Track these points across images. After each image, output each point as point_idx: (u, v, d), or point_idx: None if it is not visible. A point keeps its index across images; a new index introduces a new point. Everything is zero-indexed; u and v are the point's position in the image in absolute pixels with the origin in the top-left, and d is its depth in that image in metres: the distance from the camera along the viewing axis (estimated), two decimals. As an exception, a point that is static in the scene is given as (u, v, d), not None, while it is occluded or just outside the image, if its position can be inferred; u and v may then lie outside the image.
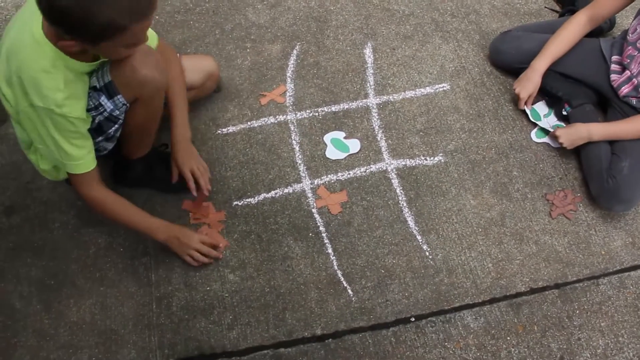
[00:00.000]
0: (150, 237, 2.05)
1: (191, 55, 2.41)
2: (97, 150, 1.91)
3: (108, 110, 1.79)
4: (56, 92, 1.60)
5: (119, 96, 1.77)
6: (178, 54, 2.25)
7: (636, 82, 2.32)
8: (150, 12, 1.49)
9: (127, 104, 1.82)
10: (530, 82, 2.45)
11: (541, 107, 2.59)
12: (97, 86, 1.75)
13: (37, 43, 1.56)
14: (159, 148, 2.29)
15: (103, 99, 1.76)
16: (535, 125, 2.53)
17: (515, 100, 2.56)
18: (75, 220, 2.23)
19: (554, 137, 2.37)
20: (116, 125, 1.88)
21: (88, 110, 1.76)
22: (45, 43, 1.55)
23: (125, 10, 1.42)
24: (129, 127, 1.95)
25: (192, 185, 2.11)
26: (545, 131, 2.51)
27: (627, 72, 2.35)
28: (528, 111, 2.51)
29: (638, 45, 2.28)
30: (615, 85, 2.38)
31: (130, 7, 1.43)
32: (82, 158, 1.79)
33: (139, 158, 2.18)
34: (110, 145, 1.98)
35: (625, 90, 2.35)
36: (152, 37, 1.98)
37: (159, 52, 1.98)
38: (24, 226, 2.22)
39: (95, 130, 1.84)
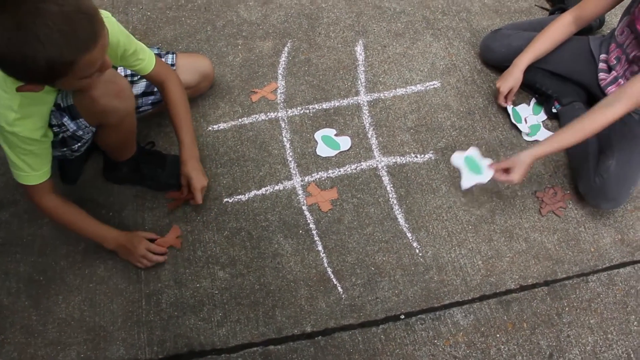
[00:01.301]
0: (101, 245, 2.06)
1: (187, 54, 2.40)
2: (64, 156, 1.93)
3: (71, 130, 1.77)
4: (9, 111, 1.56)
5: (82, 119, 1.76)
6: (174, 53, 2.24)
7: (622, 82, 2.32)
8: (94, 41, 1.39)
9: (92, 128, 1.82)
10: (510, 76, 2.46)
11: (523, 109, 2.59)
12: (62, 105, 1.72)
13: None
14: (146, 146, 2.28)
15: (66, 120, 1.74)
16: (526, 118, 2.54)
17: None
18: (65, 216, 2.22)
19: (509, 182, 2.19)
20: (79, 143, 1.86)
21: (52, 125, 1.73)
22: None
23: (63, 46, 1.33)
24: (104, 144, 1.95)
25: (184, 196, 2.17)
26: (535, 129, 2.52)
27: (614, 73, 2.35)
28: (509, 110, 2.51)
29: (625, 48, 2.29)
30: (602, 85, 2.39)
31: (68, 43, 1.33)
32: (30, 172, 1.77)
33: (126, 159, 2.17)
34: (77, 154, 1.96)
35: (611, 89, 2.35)
36: (149, 58, 1.97)
37: (157, 73, 2.00)
38: (13, 222, 2.21)
39: (60, 143, 1.83)
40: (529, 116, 2.57)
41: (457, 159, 2.23)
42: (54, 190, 1.89)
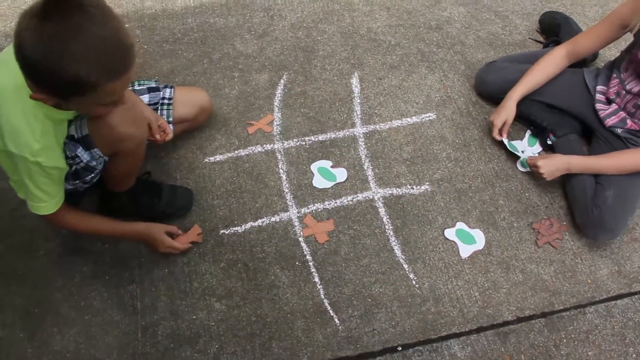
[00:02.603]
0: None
1: (185, 88, 2.40)
2: (75, 189, 1.94)
3: (84, 161, 1.78)
4: (32, 141, 1.56)
5: (96, 149, 1.77)
6: (172, 87, 2.26)
7: (623, 114, 2.34)
8: (124, 71, 1.43)
9: (105, 158, 1.83)
10: (503, 109, 2.48)
11: (520, 144, 2.60)
12: (75, 136, 1.74)
13: (18, 90, 1.52)
14: (142, 176, 2.28)
15: (80, 151, 1.75)
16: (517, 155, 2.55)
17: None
18: (61, 248, 2.21)
19: (535, 167, 2.37)
20: (92, 174, 1.88)
21: (66, 158, 1.75)
22: (26, 91, 1.50)
23: (94, 67, 1.36)
24: (110, 173, 1.96)
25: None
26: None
27: (614, 105, 2.37)
28: (505, 142, 2.52)
29: (629, 88, 2.30)
30: (602, 116, 2.40)
31: (101, 65, 1.37)
32: (48, 202, 1.77)
33: (125, 190, 2.18)
34: (87, 186, 1.98)
35: (611, 121, 2.37)
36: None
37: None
38: (9, 253, 2.20)
39: (72, 175, 1.84)
40: (525, 149, 2.58)
41: (449, 234, 2.34)
42: (67, 207, 1.88)
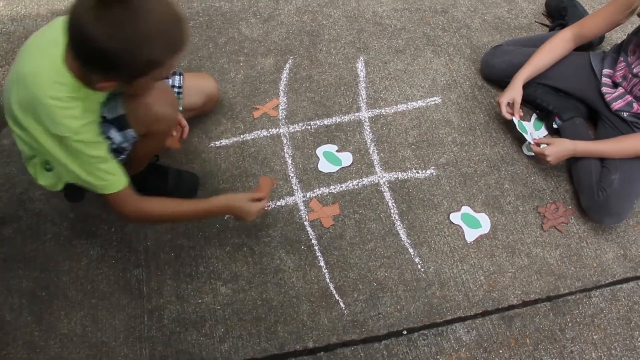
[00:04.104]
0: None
1: (193, 75, 2.38)
2: None
3: (116, 142, 1.77)
4: (71, 120, 1.55)
5: (129, 130, 1.77)
6: (182, 74, 2.24)
7: (629, 98, 2.34)
8: (183, 43, 1.48)
9: (137, 138, 1.82)
10: (509, 89, 2.47)
11: (529, 126, 2.59)
12: (108, 117, 1.73)
13: (57, 72, 1.52)
14: (150, 160, 2.28)
15: (112, 132, 1.75)
16: (524, 139, 2.54)
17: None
18: (68, 231, 2.22)
19: (540, 152, 2.36)
20: (122, 156, 1.86)
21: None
22: (65, 74, 1.52)
23: (163, 44, 1.42)
24: (134, 154, 1.95)
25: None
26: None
27: (620, 89, 2.37)
28: (515, 121, 2.49)
29: (636, 71, 2.29)
30: (608, 99, 2.40)
31: (167, 41, 1.43)
32: (112, 177, 1.73)
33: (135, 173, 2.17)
34: None
35: (618, 105, 2.37)
36: None
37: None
38: (16, 237, 2.21)
39: None
40: (532, 132, 2.57)
41: (455, 218, 2.35)
42: (134, 193, 1.84)
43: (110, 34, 1.33)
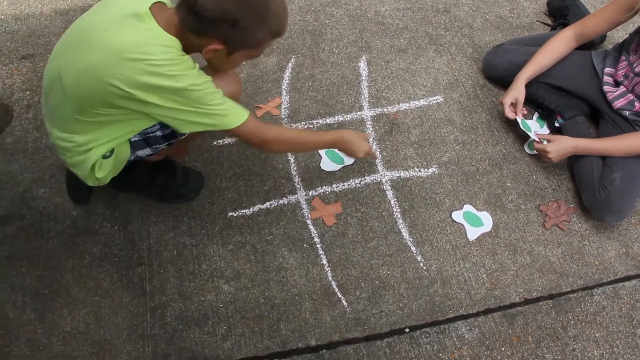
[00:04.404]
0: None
1: (219, 75, 2.36)
2: (141, 158, 1.99)
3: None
4: (191, 70, 1.63)
5: None
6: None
7: (631, 97, 2.34)
8: (285, 29, 1.67)
9: None
10: (512, 89, 2.47)
11: (532, 124, 2.59)
12: None
13: (163, 38, 1.59)
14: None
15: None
16: (526, 137, 2.54)
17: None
18: (71, 229, 2.23)
19: (542, 150, 2.37)
20: (170, 141, 1.93)
21: (154, 126, 1.83)
22: (171, 38, 1.60)
23: (277, 27, 1.61)
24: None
25: None
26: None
27: (622, 87, 2.37)
28: (519, 120, 2.49)
29: (637, 70, 2.29)
30: (609, 98, 2.40)
31: (280, 26, 1.63)
32: (236, 107, 1.77)
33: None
34: (145, 154, 1.99)
35: (619, 103, 2.37)
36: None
37: None
38: (19, 235, 2.21)
39: (146, 142, 1.89)
40: (537, 130, 2.58)
41: (457, 216, 2.35)
42: (261, 122, 1.92)
43: (241, 3, 1.52)
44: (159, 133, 1.86)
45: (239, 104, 1.79)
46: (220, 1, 1.51)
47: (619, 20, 2.33)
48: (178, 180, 2.22)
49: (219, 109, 1.71)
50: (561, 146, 2.33)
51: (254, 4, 1.54)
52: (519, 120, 2.47)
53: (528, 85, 2.49)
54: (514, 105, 2.47)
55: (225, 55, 1.65)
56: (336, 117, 2.58)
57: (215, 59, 1.71)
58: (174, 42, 1.60)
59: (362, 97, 2.66)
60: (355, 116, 2.59)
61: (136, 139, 1.85)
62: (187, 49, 1.64)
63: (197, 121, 1.71)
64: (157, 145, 1.93)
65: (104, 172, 1.92)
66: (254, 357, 2.02)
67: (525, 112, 2.55)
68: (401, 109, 2.63)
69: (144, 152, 1.94)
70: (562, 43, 2.46)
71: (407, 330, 2.10)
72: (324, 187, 2.38)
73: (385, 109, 2.62)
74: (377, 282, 2.18)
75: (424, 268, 2.22)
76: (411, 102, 2.65)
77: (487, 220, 2.34)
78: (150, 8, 1.60)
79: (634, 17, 2.29)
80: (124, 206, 2.29)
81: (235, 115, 1.76)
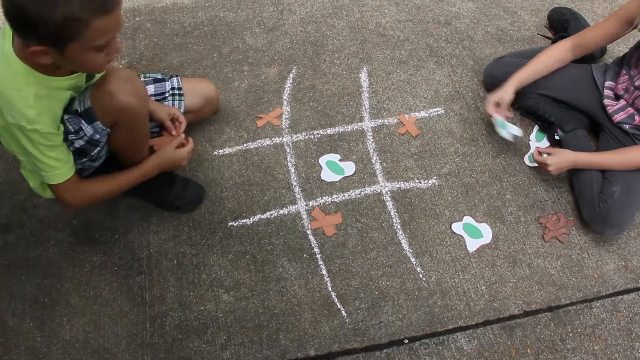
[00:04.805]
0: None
1: (191, 79, 2.42)
2: (83, 170, 1.92)
3: (88, 134, 1.78)
4: (26, 108, 1.57)
5: (98, 122, 1.77)
6: (178, 76, 2.27)
7: (631, 110, 2.35)
8: (112, 6, 1.45)
9: (107, 129, 1.82)
10: (500, 89, 2.47)
11: (512, 128, 2.55)
12: (79, 110, 1.75)
13: (7, 60, 1.55)
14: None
15: (83, 124, 1.76)
16: (527, 149, 2.55)
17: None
18: (71, 238, 2.23)
19: (542, 162, 2.37)
20: (98, 148, 1.87)
21: (69, 133, 1.75)
22: (15, 60, 1.54)
23: (82, 3, 1.38)
24: (115, 147, 1.95)
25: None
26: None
27: (622, 101, 2.38)
28: (497, 120, 2.47)
29: (637, 84, 2.30)
30: (610, 111, 2.41)
31: (88, 0, 1.39)
32: (59, 169, 1.76)
33: None
34: (96, 164, 1.97)
35: (619, 117, 2.38)
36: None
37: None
38: (19, 244, 2.22)
39: (78, 153, 1.83)
40: (532, 142, 2.59)
41: (457, 228, 2.35)
42: (79, 177, 1.88)
43: None
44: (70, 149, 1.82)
45: (71, 157, 1.80)
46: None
47: (618, 34, 2.34)
48: (175, 191, 2.23)
49: (47, 158, 1.72)
50: (561, 159, 2.33)
51: None
52: (497, 120, 2.47)
53: (528, 98, 2.50)
54: (497, 105, 2.47)
55: (58, 54, 1.51)
56: (337, 127, 2.59)
57: (59, 61, 1.59)
58: (17, 65, 1.56)
59: (363, 108, 2.66)
60: (356, 127, 2.60)
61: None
62: (45, 69, 1.60)
63: (27, 157, 1.73)
64: (80, 161, 1.89)
65: (34, 183, 1.95)
66: (253, 367, 2.02)
67: (510, 115, 2.55)
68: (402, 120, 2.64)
69: (82, 164, 1.91)
70: (558, 52, 2.47)
71: (406, 341, 2.10)
72: (324, 197, 2.39)
73: (385, 120, 2.63)
74: (376, 292, 2.18)
75: (424, 279, 2.22)
76: (412, 113, 2.66)
77: (486, 232, 2.35)
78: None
79: (635, 32, 2.30)
80: (124, 215, 2.29)
81: (57, 174, 1.78)
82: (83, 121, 1.76)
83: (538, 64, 2.48)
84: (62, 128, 1.74)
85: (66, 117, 1.75)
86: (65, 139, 1.77)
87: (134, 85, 1.82)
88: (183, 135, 2.15)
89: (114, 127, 1.86)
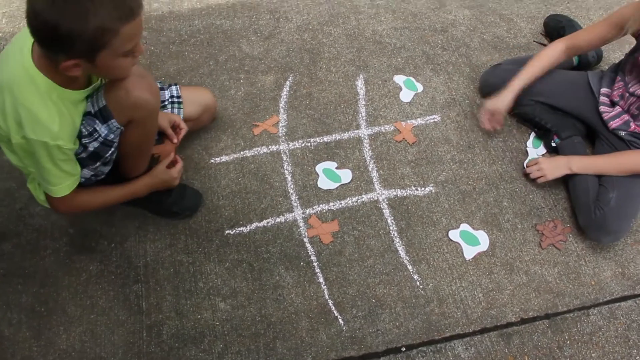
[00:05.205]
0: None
1: (189, 87, 2.42)
2: (95, 175, 1.93)
3: (102, 135, 1.78)
4: (52, 124, 1.59)
5: (112, 120, 1.77)
6: (177, 85, 2.27)
7: (627, 117, 2.35)
8: (137, 10, 1.48)
9: (121, 127, 1.82)
10: (497, 98, 2.48)
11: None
12: (92, 111, 1.75)
13: (30, 76, 1.56)
14: (152, 164, 2.28)
15: (97, 124, 1.76)
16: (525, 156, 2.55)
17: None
18: (68, 247, 2.23)
19: (536, 164, 2.38)
20: (112, 149, 1.86)
21: (83, 137, 1.76)
22: (37, 75, 1.56)
23: (110, 12, 1.42)
24: (124, 148, 1.94)
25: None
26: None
27: (618, 108, 2.38)
28: (485, 126, 2.52)
29: (632, 90, 2.31)
30: (605, 118, 2.41)
31: (116, 8, 1.43)
32: (69, 180, 1.79)
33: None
34: (107, 169, 1.97)
35: (615, 124, 2.38)
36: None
37: None
38: (16, 253, 2.21)
39: (91, 157, 1.83)
40: (529, 149, 2.59)
41: (454, 235, 2.36)
42: (76, 190, 1.88)
43: (52, 7, 1.36)
44: (83, 155, 1.83)
45: (77, 170, 1.82)
46: (41, 16, 1.40)
47: (609, 38, 2.34)
48: (173, 197, 2.23)
49: (59, 172, 1.75)
50: (554, 160, 2.34)
51: (69, 3, 1.38)
52: (485, 125, 2.49)
53: (525, 105, 2.51)
54: (490, 114, 2.49)
55: (89, 64, 1.54)
56: (333, 135, 2.59)
57: (88, 72, 1.66)
58: (40, 80, 1.58)
59: (360, 116, 2.67)
60: (353, 135, 2.60)
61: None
62: (65, 82, 1.63)
63: (38, 170, 1.75)
64: (93, 166, 1.90)
65: (44, 197, 1.94)
66: (250, 376, 2.02)
67: (501, 126, 2.58)
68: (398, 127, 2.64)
69: (95, 170, 1.93)
70: (550, 52, 2.47)
71: (403, 349, 2.10)
72: (321, 205, 2.39)
73: (382, 128, 2.63)
74: (373, 300, 2.18)
75: (421, 287, 2.22)
76: (408, 120, 2.66)
77: (483, 240, 2.35)
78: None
79: (629, 39, 2.31)
80: (121, 224, 2.29)
81: (63, 187, 1.80)
82: (97, 121, 1.77)
83: (534, 68, 2.48)
84: (77, 141, 1.75)
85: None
86: (79, 144, 1.78)
87: (148, 81, 1.83)
88: (173, 154, 2.16)
89: (127, 126, 1.86)
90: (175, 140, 2.16)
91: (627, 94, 2.32)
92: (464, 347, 2.11)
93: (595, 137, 2.53)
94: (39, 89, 1.57)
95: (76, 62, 1.49)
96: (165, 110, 2.22)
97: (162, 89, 2.23)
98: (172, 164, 2.14)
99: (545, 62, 2.48)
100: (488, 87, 2.70)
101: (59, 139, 1.62)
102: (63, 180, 1.77)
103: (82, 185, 1.90)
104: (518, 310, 2.20)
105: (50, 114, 1.59)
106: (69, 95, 1.66)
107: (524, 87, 2.48)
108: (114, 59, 1.56)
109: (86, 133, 1.76)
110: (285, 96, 2.71)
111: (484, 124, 2.51)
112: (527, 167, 2.44)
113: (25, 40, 1.56)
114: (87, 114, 1.76)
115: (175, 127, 2.18)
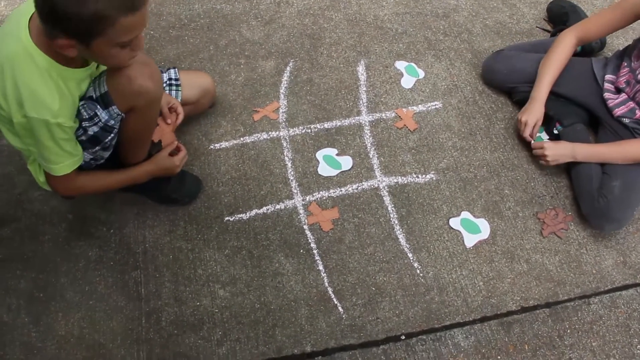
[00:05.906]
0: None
1: (188, 71, 2.40)
2: (94, 159, 1.91)
3: (103, 120, 1.77)
4: (51, 102, 1.59)
5: (113, 107, 1.76)
6: (175, 68, 2.25)
7: (632, 104, 2.33)
8: (139, 3, 1.47)
9: (122, 114, 1.81)
10: (535, 110, 2.43)
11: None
12: (94, 96, 1.74)
13: (29, 54, 1.55)
14: (152, 152, 2.26)
15: (98, 109, 1.75)
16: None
17: (516, 127, 2.54)
18: (66, 232, 2.22)
19: (540, 148, 2.37)
20: (112, 135, 1.86)
21: (83, 120, 1.75)
22: (37, 53, 1.55)
23: (111, 0, 1.41)
24: (124, 135, 1.93)
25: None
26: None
27: (623, 95, 2.36)
28: (533, 142, 2.48)
29: (637, 74, 2.29)
30: (610, 105, 2.39)
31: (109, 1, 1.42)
32: (70, 159, 1.78)
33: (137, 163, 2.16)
34: (107, 154, 1.96)
35: (620, 111, 2.36)
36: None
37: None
38: (14, 238, 2.21)
39: (91, 141, 1.82)
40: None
41: (454, 223, 2.35)
42: (77, 172, 1.88)
43: None
44: (83, 137, 1.82)
45: (78, 150, 1.81)
46: None
47: (621, 26, 2.32)
48: (172, 185, 2.21)
49: (61, 151, 1.74)
50: (559, 148, 2.33)
51: None
52: (533, 141, 2.46)
53: (527, 92, 2.49)
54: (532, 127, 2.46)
55: (84, 47, 1.53)
56: (334, 121, 2.57)
57: (83, 55, 1.62)
58: (40, 58, 1.58)
59: (361, 102, 2.65)
60: (353, 121, 2.58)
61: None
62: (64, 61, 1.62)
63: (39, 149, 1.74)
64: (92, 149, 1.89)
65: (43, 178, 1.94)
66: (249, 363, 2.01)
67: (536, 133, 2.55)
68: (399, 114, 2.63)
69: (94, 153, 1.91)
70: (564, 49, 2.42)
71: (403, 337, 2.09)
72: (321, 192, 2.38)
73: (383, 114, 2.61)
74: (373, 288, 2.18)
75: (421, 275, 2.22)
76: (409, 107, 2.64)
77: (484, 228, 2.34)
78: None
79: (636, 24, 2.29)
80: (120, 210, 2.28)
81: (64, 165, 1.80)
82: (98, 106, 1.76)
83: (552, 70, 2.43)
84: (77, 120, 1.75)
85: (81, 103, 1.75)
86: (79, 127, 1.77)
87: (151, 69, 1.82)
88: (176, 142, 2.13)
89: (128, 113, 1.84)
90: (169, 121, 2.13)
91: (634, 81, 2.30)
92: (464, 335, 2.11)
93: (598, 124, 2.51)
94: (38, 66, 1.57)
95: (71, 43, 1.49)
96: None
97: (160, 71, 2.21)
98: (175, 151, 2.12)
99: (562, 60, 2.44)
100: (490, 74, 2.69)
101: (59, 117, 1.62)
102: (64, 159, 1.76)
103: (82, 169, 1.89)
104: (518, 298, 2.20)
105: (51, 92, 1.60)
106: (69, 74, 1.65)
107: (549, 90, 2.45)
108: (110, 48, 1.55)
109: (87, 117, 1.76)
110: (285, 82, 2.69)
111: (529, 138, 2.47)
112: (532, 148, 2.42)
113: (22, 17, 1.55)
114: (89, 99, 1.75)
115: (172, 110, 2.16)
